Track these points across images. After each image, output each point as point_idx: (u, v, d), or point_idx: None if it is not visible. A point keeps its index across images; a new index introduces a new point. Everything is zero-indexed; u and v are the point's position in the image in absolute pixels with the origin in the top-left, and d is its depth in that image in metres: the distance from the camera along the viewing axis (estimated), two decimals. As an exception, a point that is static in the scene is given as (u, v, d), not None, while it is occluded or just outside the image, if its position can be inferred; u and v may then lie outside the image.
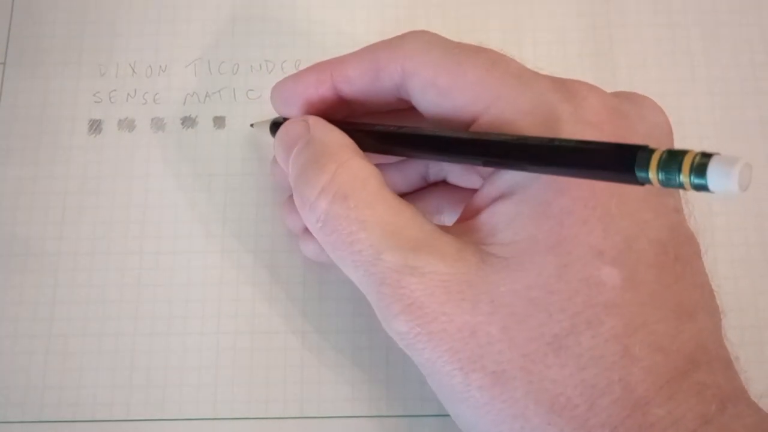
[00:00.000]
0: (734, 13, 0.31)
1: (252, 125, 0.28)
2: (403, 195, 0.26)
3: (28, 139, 0.30)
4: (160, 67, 0.31)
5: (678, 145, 0.29)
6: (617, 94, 0.23)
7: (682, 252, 0.21)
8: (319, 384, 0.27)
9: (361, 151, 0.23)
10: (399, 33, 0.24)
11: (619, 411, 0.19)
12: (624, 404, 0.19)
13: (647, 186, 0.21)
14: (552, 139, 0.19)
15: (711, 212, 0.29)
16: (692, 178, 0.15)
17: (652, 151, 0.16)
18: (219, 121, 0.30)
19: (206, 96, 0.30)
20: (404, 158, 0.26)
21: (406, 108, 0.24)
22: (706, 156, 0.15)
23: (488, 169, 0.22)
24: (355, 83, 0.24)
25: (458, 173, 0.26)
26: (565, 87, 0.22)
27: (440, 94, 0.23)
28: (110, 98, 0.30)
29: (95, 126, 0.30)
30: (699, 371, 0.20)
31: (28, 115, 0.30)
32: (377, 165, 0.24)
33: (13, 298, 0.28)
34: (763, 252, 0.28)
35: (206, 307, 0.27)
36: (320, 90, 0.24)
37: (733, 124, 0.30)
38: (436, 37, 0.24)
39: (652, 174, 0.16)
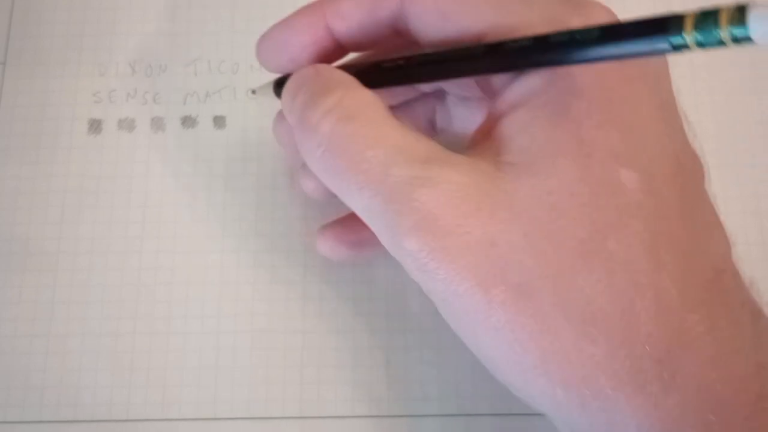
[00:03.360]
0: (734, 13, 0.31)
1: (254, 91, 0.27)
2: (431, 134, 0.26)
3: (28, 138, 0.30)
4: (160, 66, 0.31)
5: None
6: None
7: (692, 168, 0.21)
8: (319, 384, 0.27)
9: (364, 87, 0.22)
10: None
11: (652, 318, 0.18)
12: (657, 310, 0.18)
13: (655, 99, 0.20)
14: (573, 31, 0.18)
15: (711, 212, 0.29)
16: (732, 30, 0.14)
17: (683, 16, 0.15)
18: (219, 121, 0.30)
19: (206, 96, 0.30)
20: (411, 100, 0.26)
21: (404, 44, 0.24)
22: (743, 6, 0.14)
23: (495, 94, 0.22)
24: (351, 17, 0.23)
25: (464, 116, 0.25)
26: (574, 1, 0.21)
27: (442, 18, 0.22)
28: (110, 98, 0.30)
29: (95, 126, 0.30)
30: (725, 282, 0.19)
31: (28, 115, 0.30)
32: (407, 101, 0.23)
33: (12, 297, 0.28)
34: (764, 251, 0.28)
35: (206, 307, 0.27)
36: (314, 34, 0.23)
37: (733, 124, 0.30)
38: None
39: (689, 37, 0.15)
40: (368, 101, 0.21)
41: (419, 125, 0.26)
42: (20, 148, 0.29)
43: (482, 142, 0.21)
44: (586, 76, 0.20)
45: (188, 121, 0.30)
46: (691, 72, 0.31)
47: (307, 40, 0.23)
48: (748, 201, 0.29)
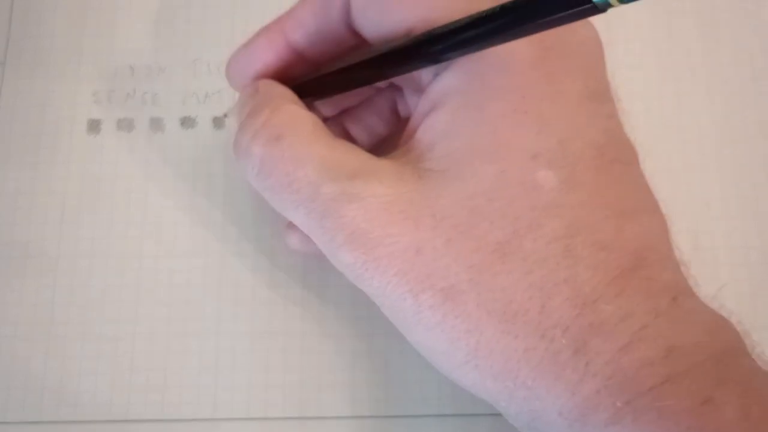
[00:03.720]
0: (734, 12, 0.31)
1: (226, 115, 0.27)
2: (381, 137, 0.26)
3: (27, 139, 0.30)
4: (159, 67, 0.31)
5: (679, 145, 0.29)
6: None
7: (618, 156, 0.21)
8: (319, 385, 0.27)
9: (298, 100, 0.23)
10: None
11: (569, 310, 0.19)
12: (573, 303, 0.19)
13: (578, 92, 0.21)
14: (501, 5, 0.18)
15: (710, 216, 0.28)
16: None
17: None
18: (218, 122, 0.30)
19: (206, 96, 0.30)
20: (372, 96, 0.26)
21: (359, 44, 0.24)
22: None
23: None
24: (309, 24, 0.24)
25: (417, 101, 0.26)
26: None
27: (380, 11, 0.22)
28: (109, 98, 0.30)
29: (94, 126, 0.30)
30: (647, 268, 0.20)
31: (27, 116, 0.30)
32: (351, 109, 0.24)
33: (12, 299, 0.28)
34: (763, 254, 0.28)
35: (206, 309, 0.27)
36: (274, 48, 0.24)
37: (733, 124, 0.30)
38: None
39: None
40: (296, 117, 0.22)
41: (384, 117, 0.26)
42: (19, 148, 0.29)
43: (408, 145, 0.22)
44: (500, 77, 0.20)
45: (187, 122, 0.30)
46: (691, 72, 0.30)
47: (269, 58, 0.24)
48: (748, 202, 0.29)
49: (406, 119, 0.26)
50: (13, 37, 0.31)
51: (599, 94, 0.22)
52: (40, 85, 0.30)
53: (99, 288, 0.28)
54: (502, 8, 0.18)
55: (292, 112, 0.22)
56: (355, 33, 0.24)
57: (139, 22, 0.31)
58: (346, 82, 0.24)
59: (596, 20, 0.31)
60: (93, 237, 0.28)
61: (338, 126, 0.26)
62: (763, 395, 0.18)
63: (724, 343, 0.19)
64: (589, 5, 0.15)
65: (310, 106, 0.24)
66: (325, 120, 0.26)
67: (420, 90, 0.23)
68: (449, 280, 0.20)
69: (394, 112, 0.26)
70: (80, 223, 0.28)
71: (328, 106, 0.26)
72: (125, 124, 0.30)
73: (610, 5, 0.15)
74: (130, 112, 0.30)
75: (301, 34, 0.24)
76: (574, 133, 0.21)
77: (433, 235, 0.20)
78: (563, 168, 0.20)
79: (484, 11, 0.18)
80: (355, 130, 0.26)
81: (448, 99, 0.21)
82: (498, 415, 0.27)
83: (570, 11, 0.16)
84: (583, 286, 0.19)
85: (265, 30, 0.24)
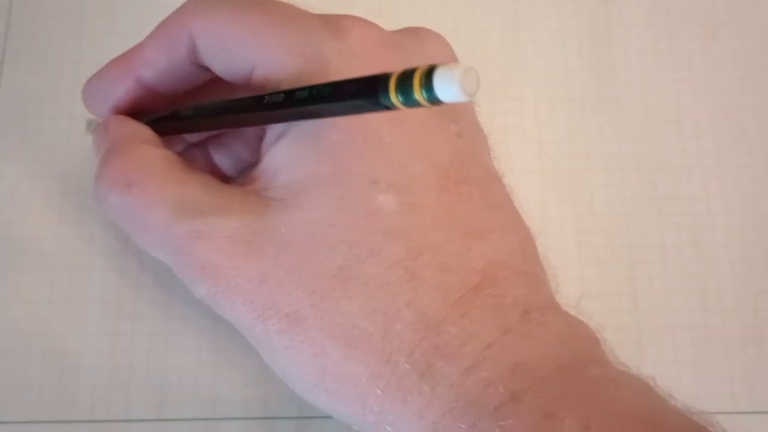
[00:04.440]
0: (733, 13, 0.31)
1: (87, 129, 0.27)
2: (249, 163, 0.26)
3: (26, 137, 0.29)
4: (159, 66, 0.30)
5: (679, 143, 0.29)
6: (401, 30, 0.24)
7: (467, 175, 0.21)
8: (318, 384, 0.26)
9: (153, 138, 0.23)
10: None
11: (413, 335, 0.19)
12: (417, 327, 0.19)
13: (425, 111, 0.21)
14: (312, 87, 0.19)
15: (710, 211, 0.28)
16: (424, 93, 0.15)
17: (389, 76, 0.16)
18: (217, 121, 0.30)
19: (205, 95, 0.30)
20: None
21: (214, 77, 0.24)
22: (432, 69, 0.15)
23: None
24: (156, 63, 0.24)
25: None
26: (332, 23, 0.22)
27: (225, 51, 0.23)
28: (108, 97, 0.30)
29: (93, 125, 0.30)
30: (495, 286, 0.20)
31: (26, 114, 0.30)
32: (218, 135, 0.25)
33: (10, 297, 0.27)
34: (762, 250, 0.28)
35: (204, 307, 0.27)
36: (124, 83, 0.24)
37: (732, 124, 0.30)
38: None
39: (393, 97, 0.16)
40: (145, 160, 0.23)
41: (251, 145, 0.26)
42: (18, 146, 0.29)
43: (257, 173, 0.22)
44: None
45: (187, 121, 0.30)
46: (690, 71, 0.31)
47: (118, 92, 0.24)
48: (747, 201, 0.29)
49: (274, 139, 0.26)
50: (12, 35, 0.31)
51: (448, 113, 0.22)
52: (38, 82, 0.30)
53: (97, 286, 0.27)
54: (310, 93, 0.19)
55: (141, 154, 0.23)
56: (204, 69, 0.24)
57: (138, 20, 0.31)
58: (199, 126, 0.25)
59: (597, 19, 0.31)
60: (91, 235, 0.28)
61: (203, 152, 0.26)
62: (605, 406, 0.18)
63: (574, 352, 0.19)
64: (379, 103, 0.17)
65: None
66: (191, 146, 0.26)
67: None
68: (293, 306, 0.20)
69: (260, 138, 0.26)
70: (79, 221, 0.28)
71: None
72: (124, 123, 0.30)
73: (395, 107, 0.16)
74: (129, 111, 0.30)
75: (148, 71, 0.24)
76: (416, 156, 0.21)
77: (275, 263, 0.20)
78: (403, 191, 0.20)
79: (311, 86, 0.19)
80: (219, 156, 0.26)
81: (290, 129, 0.21)
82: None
83: (370, 105, 0.17)
84: (426, 310, 0.19)
85: (115, 63, 0.24)
